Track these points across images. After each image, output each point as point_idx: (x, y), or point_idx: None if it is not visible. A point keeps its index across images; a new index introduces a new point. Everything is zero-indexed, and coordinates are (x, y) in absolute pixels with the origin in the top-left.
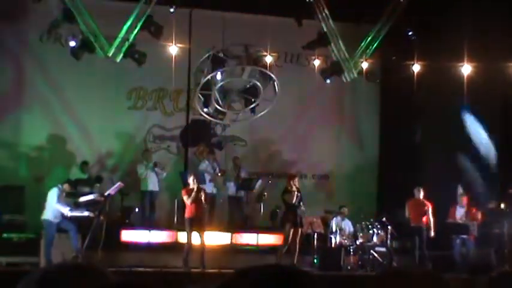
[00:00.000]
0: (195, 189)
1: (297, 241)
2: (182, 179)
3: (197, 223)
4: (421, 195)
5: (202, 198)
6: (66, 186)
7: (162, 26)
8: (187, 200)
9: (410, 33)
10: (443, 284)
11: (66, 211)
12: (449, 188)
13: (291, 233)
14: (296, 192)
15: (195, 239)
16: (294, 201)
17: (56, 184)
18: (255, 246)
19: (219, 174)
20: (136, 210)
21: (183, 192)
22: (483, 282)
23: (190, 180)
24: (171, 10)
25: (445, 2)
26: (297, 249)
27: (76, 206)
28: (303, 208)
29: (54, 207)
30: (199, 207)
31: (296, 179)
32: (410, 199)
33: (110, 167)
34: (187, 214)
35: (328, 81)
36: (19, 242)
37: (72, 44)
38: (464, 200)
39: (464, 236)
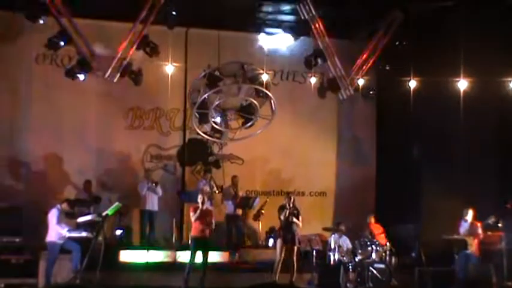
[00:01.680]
0: (200, 208)
1: (293, 259)
2: (180, 198)
3: (201, 242)
4: (373, 220)
5: (212, 220)
6: (65, 206)
7: (158, 45)
8: (192, 218)
9: (404, 43)
10: None
11: (65, 232)
12: (448, 203)
13: (283, 249)
14: (289, 209)
15: (198, 258)
16: (284, 216)
17: (55, 204)
18: (253, 265)
19: (217, 192)
20: (119, 232)
21: (191, 209)
22: None
23: (199, 198)
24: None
25: (440, 17)
26: (294, 267)
27: (74, 226)
28: (299, 224)
29: (54, 228)
30: (203, 226)
31: (291, 196)
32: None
33: (107, 187)
34: (192, 232)
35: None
36: (17, 264)
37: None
38: (469, 214)
39: (467, 251)
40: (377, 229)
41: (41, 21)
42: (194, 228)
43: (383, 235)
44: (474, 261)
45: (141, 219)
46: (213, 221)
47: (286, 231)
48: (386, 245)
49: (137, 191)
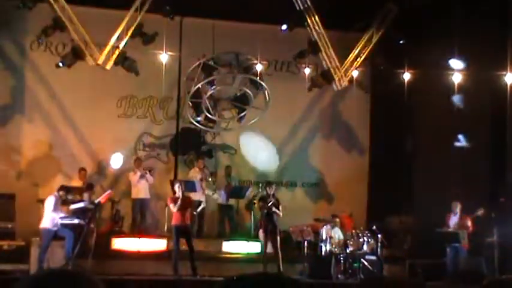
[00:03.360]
0: (181, 197)
1: (276, 248)
2: (172, 187)
3: (183, 231)
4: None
5: (199, 208)
6: (62, 194)
7: (153, 34)
8: (173, 208)
9: (401, 41)
10: None
11: (61, 215)
12: (440, 196)
13: (266, 240)
14: (270, 199)
15: (183, 246)
16: (266, 208)
17: (50, 191)
18: (244, 254)
19: (210, 179)
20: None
21: (169, 200)
22: None
23: (176, 188)
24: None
25: (435, 10)
26: (279, 256)
27: (67, 213)
28: (279, 214)
29: (50, 215)
30: (185, 214)
31: (273, 186)
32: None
33: (100, 175)
34: (173, 221)
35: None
36: (9, 250)
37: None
38: (457, 207)
39: (457, 245)
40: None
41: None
42: (175, 217)
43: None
44: (464, 254)
45: (133, 207)
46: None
47: (267, 222)
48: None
49: (129, 179)
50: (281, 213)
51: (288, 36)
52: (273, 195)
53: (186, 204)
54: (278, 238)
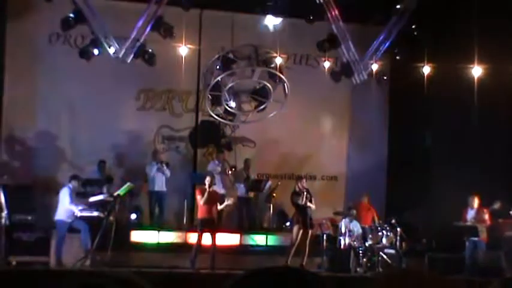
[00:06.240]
0: (207, 190)
1: (306, 243)
2: (192, 180)
3: (209, 224)
4: (366, 200)
5: (226, 203)
6: (74, 183)
7: (172, 26)
8: (200, 200)
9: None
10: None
11: (77, 211)
12: (459, 190)
13: (299, 234)
14: (305, 193)
15: (206, 240)
16: (302, 202)
17: (66, 183)
18: (264, 247)
19: (230, 172)
20: (134, 217)
21: (197, 192)
22: (495, 285)
23: (206, 181)
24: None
25: (455, 3)
26: (306, 251)
27: (86, 206)
28: (312, 207)
29: (67, 207)
30: (211, 208)
31: (303, 180)
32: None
33: (120, 168)
34: (199, 215)
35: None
36: (29, 242)
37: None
38: (474, 201)
39: (475, 239)
40: (366, 209)
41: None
42: (201, 210)
43: (371, 215)
44: (482, 248)
45: (150, 200)
46: (227, 201)
47: (303, 216)
48: (371, 225)
49: (145, 171)
50: (314, 206)
51: (307, 29)
52: (307, 189)
53: (213, 198)
54: (310, 232)
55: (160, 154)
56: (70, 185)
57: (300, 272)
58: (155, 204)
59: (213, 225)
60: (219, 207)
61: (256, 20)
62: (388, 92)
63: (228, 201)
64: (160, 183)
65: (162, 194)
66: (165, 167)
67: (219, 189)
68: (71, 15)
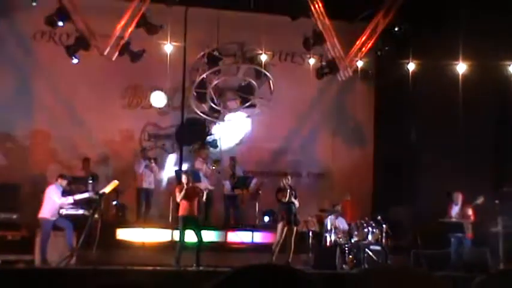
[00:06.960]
0: (185, 187)
1: (292, 239)
2: (177, 177)
3: (190, 221)
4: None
5: (204, 196)
6: (61, 181)
7: (158, 26)
8: (177, 197)
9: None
10: (431, 281)
11: (71, 200)
12: (445, 187)
13: (284, 231)
14: (288, 190)
15: (190, 237)
16: (286, 199)
17: (52, 182)
18: (250, 245)
19: (213, 167)
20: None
21: (176, 189)
22: (479, 281)
23: (183, 178)
24: None
25: (440, 0)
26: (292, 248)
27: (71, 203)
28: (297, 204)
29: (56, 203)
30: (193, 205)
31: (288, 177)
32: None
33: (105, 165)
34: (180, 212)
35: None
36: (14, 240)
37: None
38: (459, 197)
39: (460, 234)
40: (350, 207)
41: None
42: (182, 207)
43: (356, 213)
44: (468, 245)
45: (138, 197)
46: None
47: (288, 213)
48: (356, 221)
49: (134, 169)
50: (297, 203)
51: (292, 26)
52: (290, 185)
53: (192, 194)
54: (295, 229)
55: (148, 151)
56: (57, 183)
57: (285, 269)
58: (143, 201)
59: (195, 221)
60: (204, 198)
61: (242, 17)
62: (373, 89)
63: (205, 191)
64: (148, 181)
65: (150, 191)
66: (153, 164)
67: (204, 185)
68: (55, 13)
